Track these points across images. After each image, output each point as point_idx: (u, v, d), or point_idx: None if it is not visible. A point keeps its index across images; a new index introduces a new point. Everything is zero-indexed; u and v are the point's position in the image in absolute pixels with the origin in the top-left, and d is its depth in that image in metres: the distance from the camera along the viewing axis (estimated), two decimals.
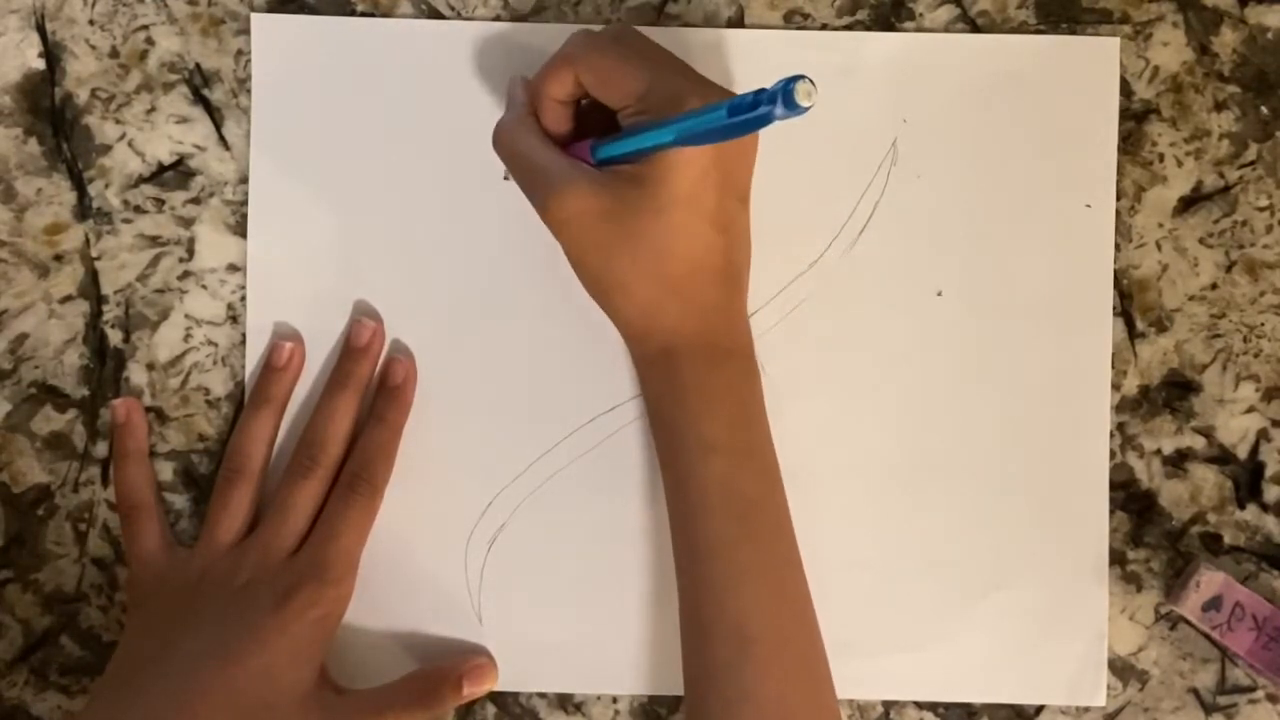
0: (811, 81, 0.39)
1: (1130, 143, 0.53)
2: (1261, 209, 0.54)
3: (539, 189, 0.47)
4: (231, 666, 0.48)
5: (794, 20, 0.54)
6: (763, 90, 0.40)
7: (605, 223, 0.46)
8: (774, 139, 0.53)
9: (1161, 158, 0.54)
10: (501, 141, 0.49)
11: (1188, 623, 0.53)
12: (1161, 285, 0.54)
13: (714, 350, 0.48)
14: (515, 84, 0.51)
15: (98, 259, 0.53)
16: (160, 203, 0.54)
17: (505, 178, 0.53)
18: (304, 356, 0.53)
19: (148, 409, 0.53)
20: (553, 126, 0.49)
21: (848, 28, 0.54)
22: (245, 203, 0.53)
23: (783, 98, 0.39)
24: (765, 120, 0.40)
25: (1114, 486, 0.53)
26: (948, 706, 0.53)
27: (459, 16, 0.54)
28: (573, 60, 0.48)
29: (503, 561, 0.53)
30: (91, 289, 0.53)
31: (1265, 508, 0.53)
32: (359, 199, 0.53)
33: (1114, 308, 0.53)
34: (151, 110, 0.54)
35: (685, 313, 0.47)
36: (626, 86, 0.47)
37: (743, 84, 0.53)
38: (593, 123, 0.50)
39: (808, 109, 0.39)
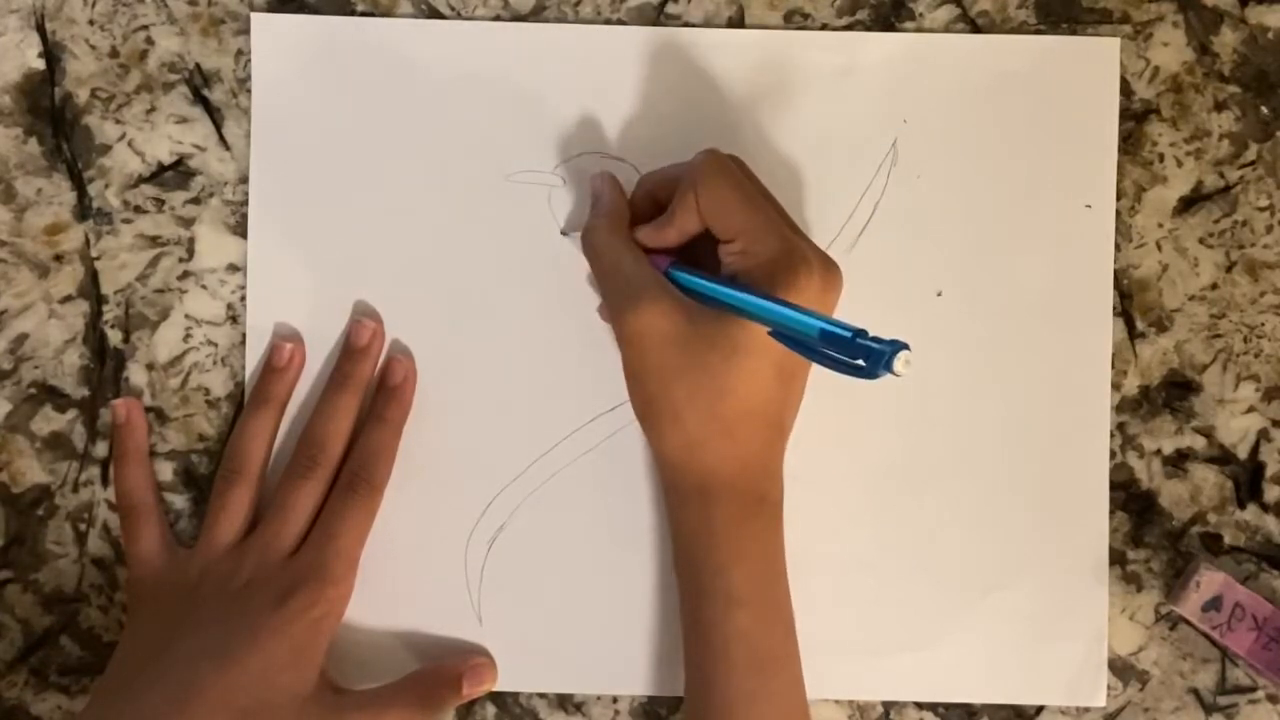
0: (909, 351, 0.39)
1: (1130, 143, 0.53)
2: (1261, 209, 0.53)
3: (622, 296, 0.47)
4: (231, 667, 0.48)
5: (794, 20, 0.54)
6: (864, 333, 0.40)
7: (676, 348, 0.46)
8: (774, 141, 0.53)
9: (1161, 158, 0.54)
10: (592, 241, 0.49)
11: (1188, 623, 0.53)
12: (1161, 285, 0.53)
13: (748, 497, 0.48)
14: (603, 181, 0.51)
15: (98, 259, 0.53)
16: (160, 203, 0.54)
17: (507, 178, 0.53)
18: (304, 356, 0.53)
19: (148, 409, 0.53)
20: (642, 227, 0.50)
21: (848, 28, 0.54)
22: (245, 203, 0.53)
23: (887, 361, 0.39)
24: (860, 373, 0.40)
25: (1114, 486, 0.53)
26: (948, 706, 0.53)
27: (459, 16, 0.54)
28: (696, 181, 0.48)
29: (503, 561, 0.53)
30: (91, 289, 0.53)
31: (1265, 508, 0.53)
32: (359, 199, 0.53)
33: (1114, 308, 0.53)
34: (151, 110, 0.54)
35: (727, 454, 0.47)
36: (738, 223, 0.47)
37: (742, 84, 0.53)
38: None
39: (898, 376, 0.39)
